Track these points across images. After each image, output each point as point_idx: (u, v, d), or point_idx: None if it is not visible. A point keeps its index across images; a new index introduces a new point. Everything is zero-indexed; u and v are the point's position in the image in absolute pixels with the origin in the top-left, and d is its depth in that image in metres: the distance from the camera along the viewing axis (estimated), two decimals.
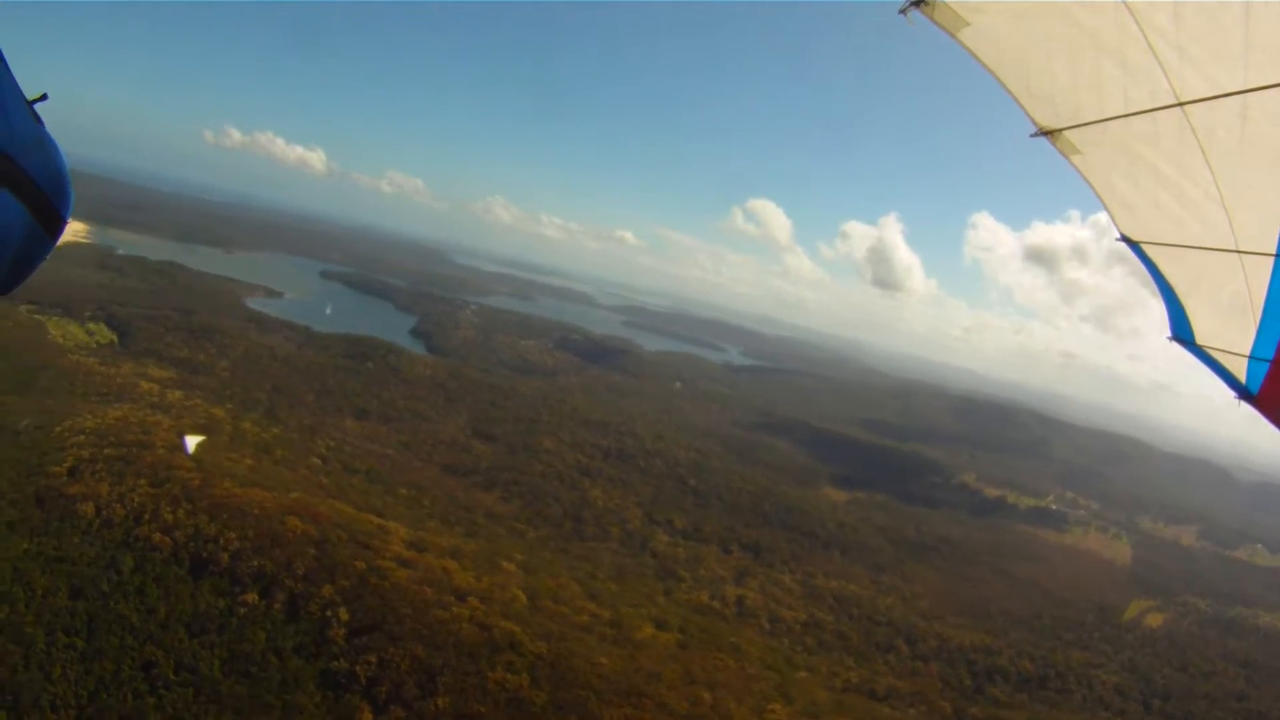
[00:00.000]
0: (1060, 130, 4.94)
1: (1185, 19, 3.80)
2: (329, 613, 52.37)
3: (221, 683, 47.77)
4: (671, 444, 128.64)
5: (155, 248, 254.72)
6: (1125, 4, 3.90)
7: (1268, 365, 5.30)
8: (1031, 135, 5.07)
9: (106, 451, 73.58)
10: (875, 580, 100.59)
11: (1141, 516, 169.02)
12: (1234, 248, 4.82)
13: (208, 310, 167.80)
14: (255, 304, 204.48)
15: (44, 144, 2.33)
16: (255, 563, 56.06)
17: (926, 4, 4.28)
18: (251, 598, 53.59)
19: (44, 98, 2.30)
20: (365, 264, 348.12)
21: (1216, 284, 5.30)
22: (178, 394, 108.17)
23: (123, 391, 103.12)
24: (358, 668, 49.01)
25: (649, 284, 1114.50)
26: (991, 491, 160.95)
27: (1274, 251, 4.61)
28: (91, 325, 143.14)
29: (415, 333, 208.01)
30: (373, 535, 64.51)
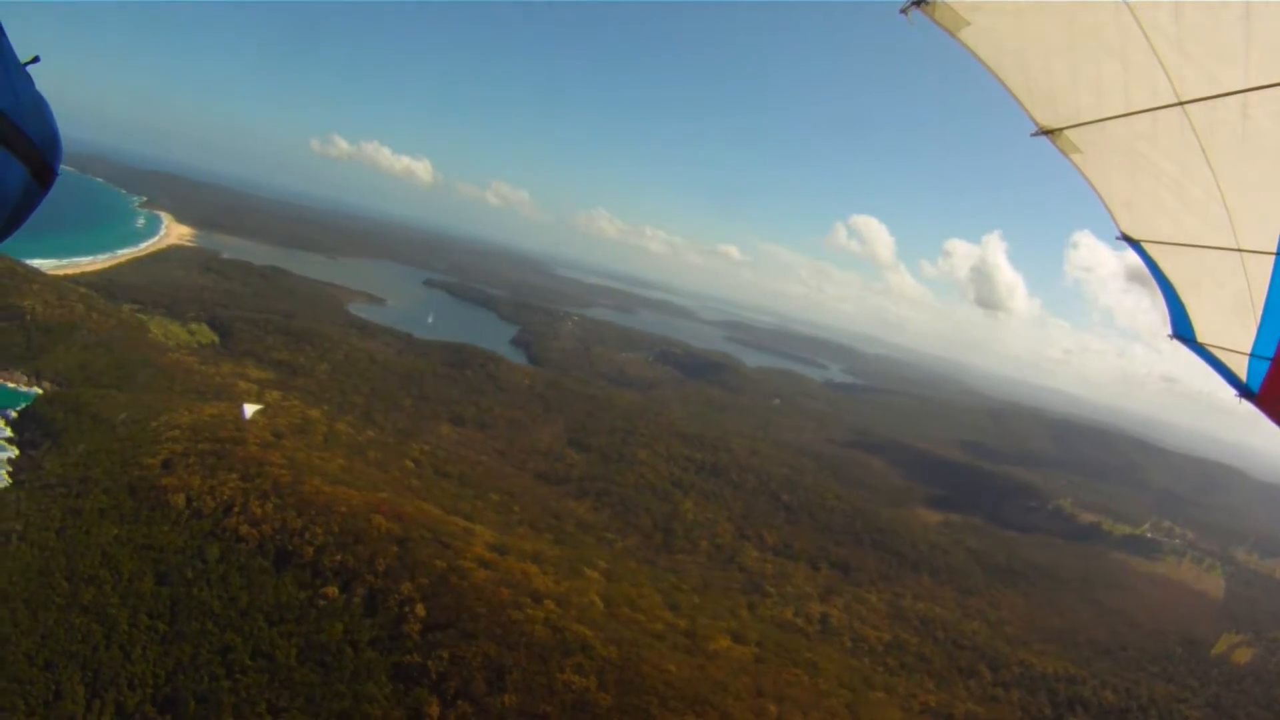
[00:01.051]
0: (1061, 129, 5.85)
1: (1186, 18, 4.49)
2: (406, 608, 62.30)
3: (295, 670, 56.36)
4: (766, 459, 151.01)
5: (260, 253, 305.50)
6: (1126, 3, 4.57)
7: (1269, 363, 6.21)
8: (1032, 134, 5.98)
9: (200, 446, 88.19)
10: (962, 603, 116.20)
11: (1237, 547, 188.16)
12: (1234, 246, 5.68)
13: (309, 314, 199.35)
14: (357, 310, 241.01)
15: (40, 106, 2.90)
16: (338, 557, 67.50)
17: (927, 4, 5.02)
18: (332, 591, 63.98)
19: (36, 60, 2.91)
20: (468, 274, 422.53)
21: (1217, 282, 6.26)
22: (275, 394, 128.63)
23: (221, 390, 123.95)
24: (429, 662, 58.05)
25: (752, 300, 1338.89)
26: (1086, 517, 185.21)
27: (1274, 250, 5.41)
28: (193, 326, 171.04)
29: (516, 342, 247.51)
30: (456, 536, 76.06)
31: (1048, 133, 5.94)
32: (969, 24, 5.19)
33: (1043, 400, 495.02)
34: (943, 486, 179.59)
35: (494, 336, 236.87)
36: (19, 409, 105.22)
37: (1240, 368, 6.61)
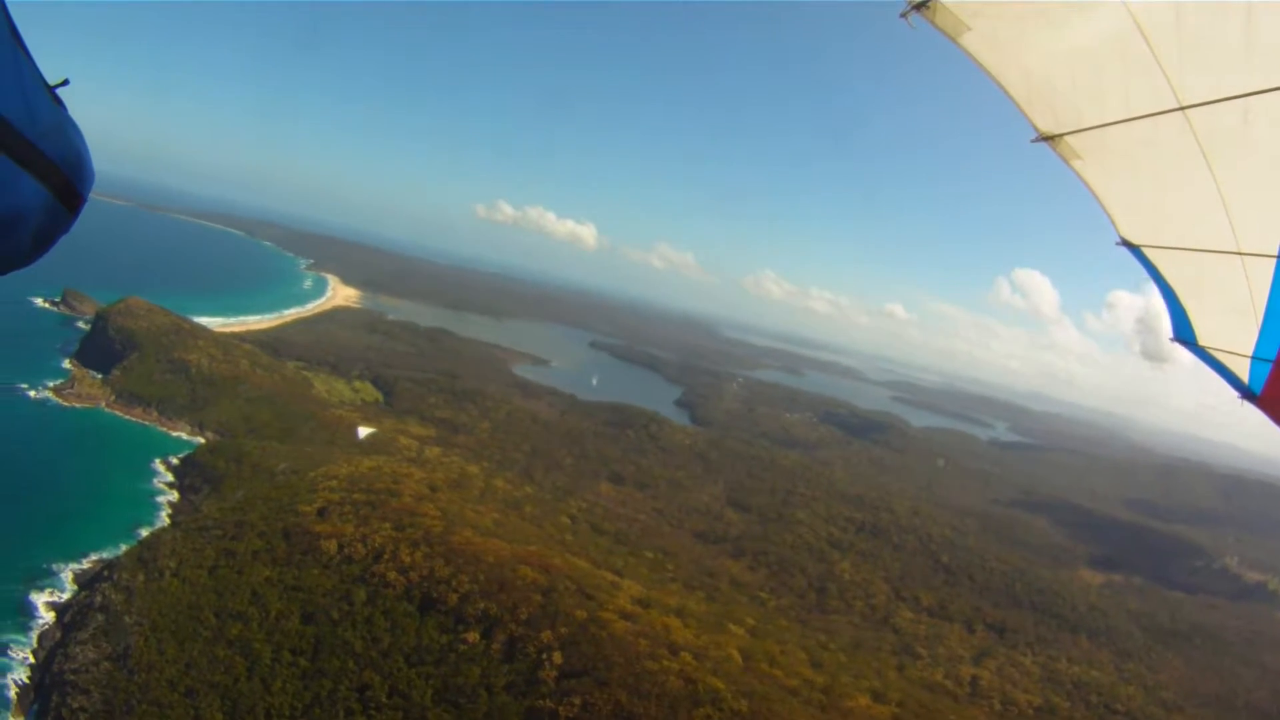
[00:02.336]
0: (1061, 136, 6.52)
1: (1186, 23, 5.05)
2: (544, 655, 69.61)
3: (430, 710, 62.49)
4: (927, 520, 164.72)
5: (426, 315, 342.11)
6: (1127, 8, 5.15)
7: (1270, 366, 6.96)
8: (1032, 140, 6.65)
9: (355, 496, 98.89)
10: (1120, 667, 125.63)
11: None
12: (1235, 249, 6.34)
13: (473, 375, 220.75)
14: (522, 371, 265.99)
15: (64, 128, 3.26)
16: (481, 605, 75.15)
17: (927, 8, 5.62)
18: (473, 636, 71.72)
19: (65, 83, 3.29)
20: (634, 336, 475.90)
21: (1218, 286, 6.98)
22: (435, 450, 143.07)
23: (380, 445, 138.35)
24: (560, 708, 65.06)
25: (919, 359, 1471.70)
26: (1253, 576, 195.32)
27: (1275, 253, 6.06)
28: (358, 384, 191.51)
29: (680, 404, 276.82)
30: (601, 589, 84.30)
31: (1048, 139, 6.62)
32: (970, 29, 5.80)
33: (1211, 454, 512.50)
34: (1106, 546, 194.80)
35: (658, 398, 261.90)
36: (181, 456, 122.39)
37: (1242, 370, 7.35)
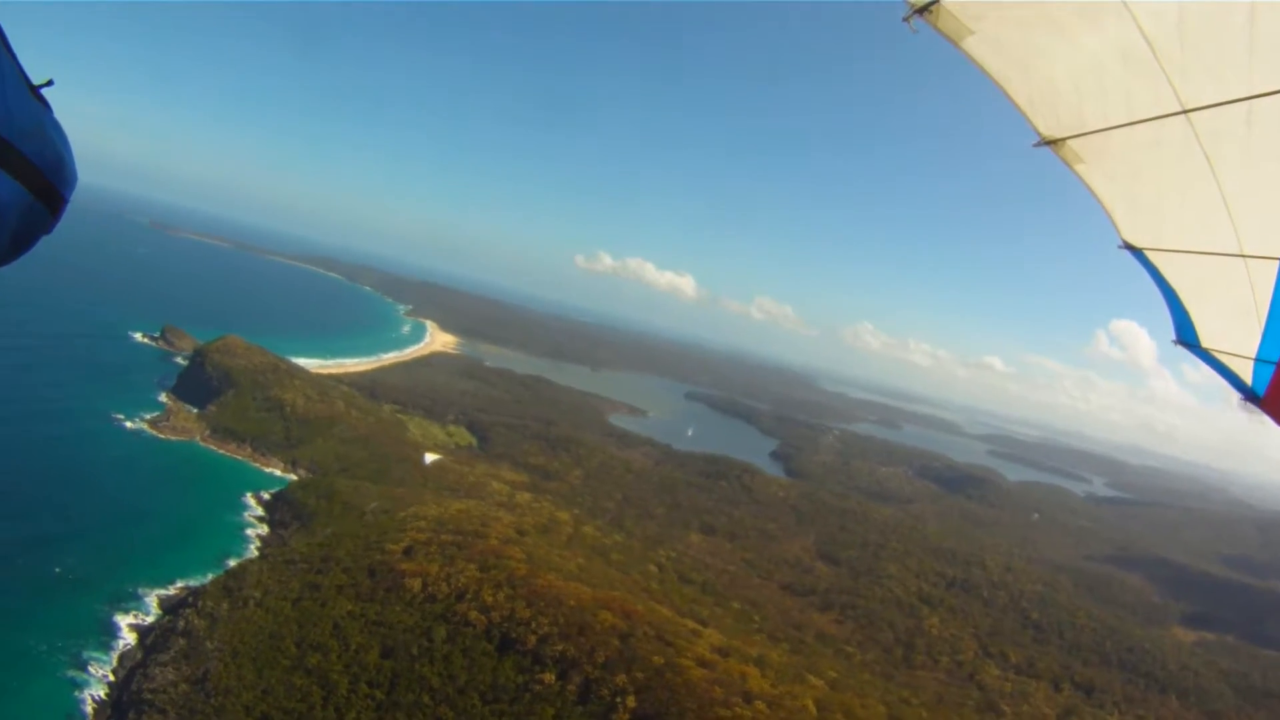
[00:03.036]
0: (1064, 139, 6.73)
1: (1189, 25, 5.20)
2: (618, 699, 72.24)
3: None
4: (1019, 575, 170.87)
5: (523, 363, 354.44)
6: (1129, 11, 5.29)
7: (1273, 368, 7.16)
8: (1034, 145, 6.83)
9: (443, 537, 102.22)
10: None
11: None
12: (1238, 252, 6.54)
13: (569, 423, 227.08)
14: (617, 420, 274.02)
15: (45, 128, 3.37)
16: (560, 647, 77.42)
17: (930, 12, 5.79)
18: (549, 678, 73.90)
19: (50, 83, 3.43)
20: (731, 387, 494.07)
21: (1221, 288, 7.21)
22: (526, 496, 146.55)
23: (472, 489, 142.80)
24: None
25: (1017, 412, 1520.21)
26: None
27: (1278, 255, 6.29)
28: (452, 428, 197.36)
29: (775, 455, 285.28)
30: (680, 636, 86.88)
31: (1050, 143, 6.76)
32: (972, 33, 5.95)
33: None
34: (1200, 603, 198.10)
35: (753, 449, 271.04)
36: (273, 491, 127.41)
37: (1245, 372, 7.60)
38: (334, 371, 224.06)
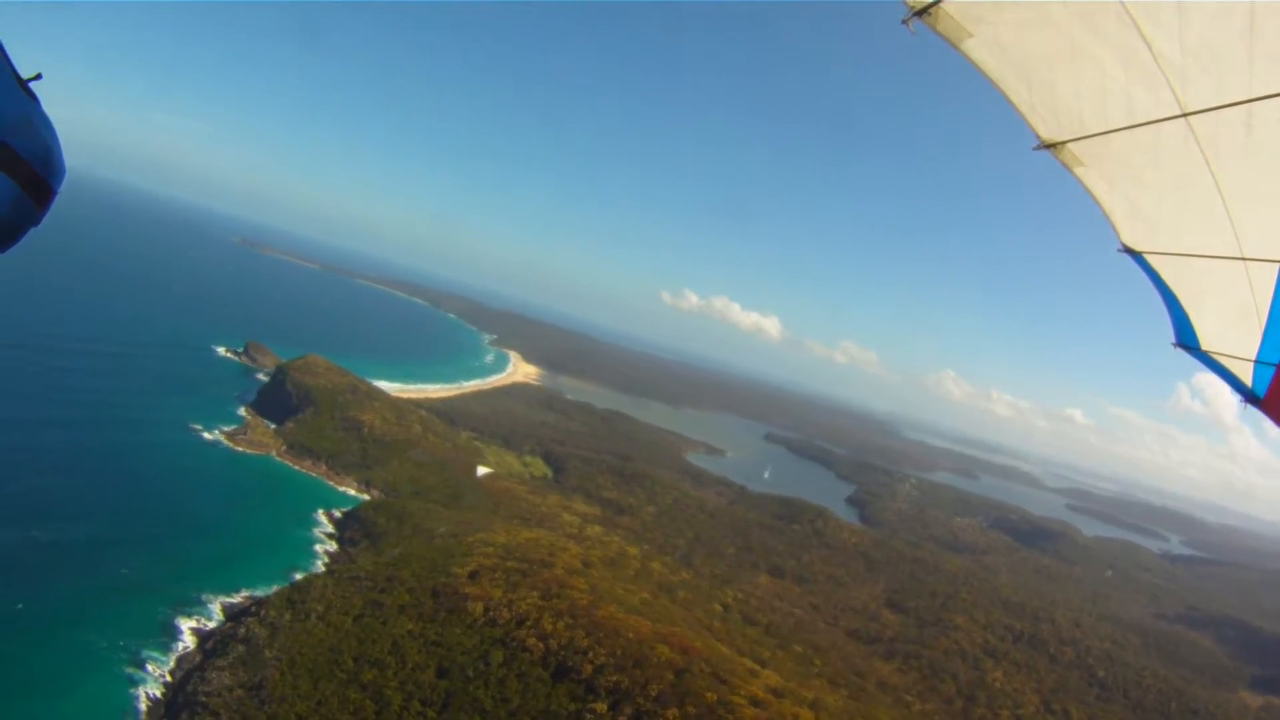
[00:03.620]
0: (1063, 143, 6.82)
1: (1189, 29, 5.30)
2: None
3: None
4: (1088, 632, 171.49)
5: (604, 397, 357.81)
6: (1129, 15, 5.41)
7: (1273, 369, 7.40)
8: (1034, 148, 6.93)
9: (509, 564, 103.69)
10: None
11: None
12: (1238, 255, 6.72)
13: (645, 459, 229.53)
14: (695, 458, 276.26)
15: (32, 120, 3.48)
16: (614, 678, 78.47)
17: (929, 14, 5.92)
18: (600, 707, 74.72)
19: (38, 77, 3.57)
20: (811, 430, 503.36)
21: (1221, 291, 7.41)
22: (596, 529, 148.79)
23: (543, 519, 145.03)
24: None
25: (1096, 465, 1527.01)
26: None
27: (1278, 258, 6.49)
28: (528, 458, 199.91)
29: (850, 501, 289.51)
30: (736, 674, 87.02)
31: (1050, 146, 6.85)
32: (971, 36, 6.05)
33: None
34: (1271, 666, 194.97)
35: (829, 494, 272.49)
36: (345, 510, 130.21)
37: (1245, 374, 7.81)
38: (414, 396, 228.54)
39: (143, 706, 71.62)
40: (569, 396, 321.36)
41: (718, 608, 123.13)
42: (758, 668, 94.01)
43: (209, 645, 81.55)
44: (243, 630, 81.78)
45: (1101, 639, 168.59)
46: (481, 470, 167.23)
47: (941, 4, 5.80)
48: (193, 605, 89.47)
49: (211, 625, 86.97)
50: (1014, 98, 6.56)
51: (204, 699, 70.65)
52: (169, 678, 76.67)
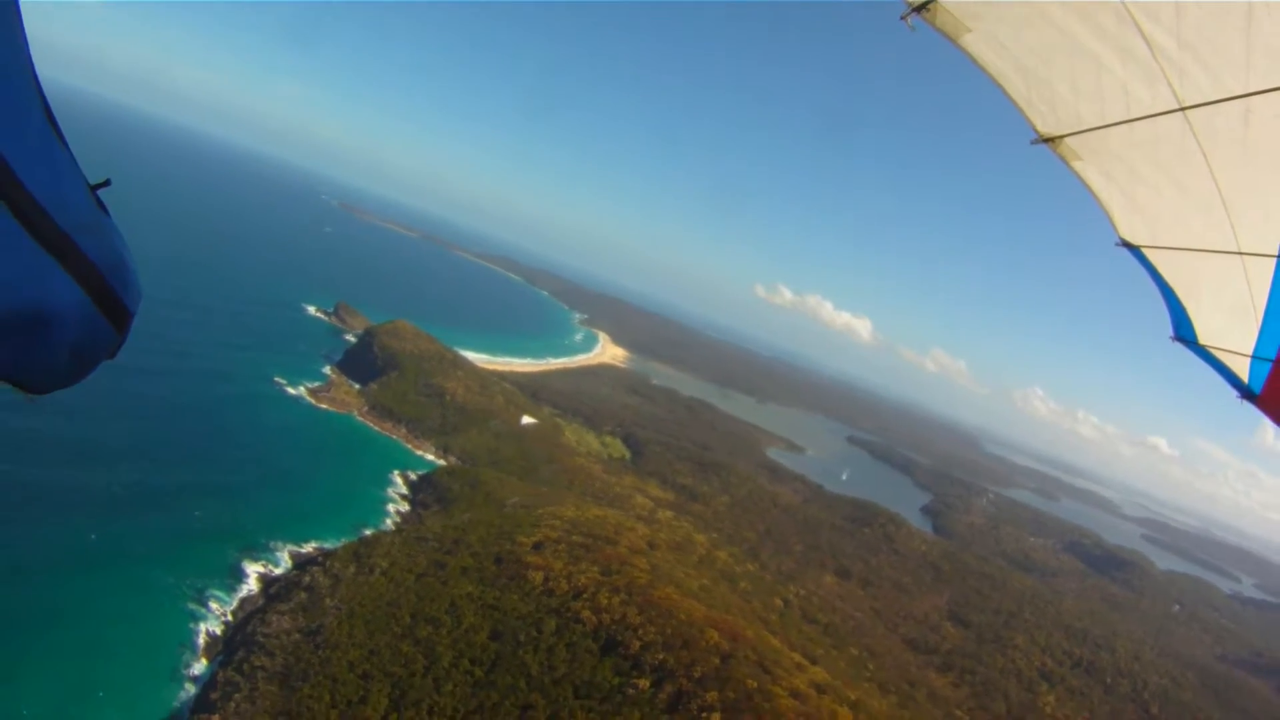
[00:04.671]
0: (1061, 137, 6.98)
1: (1187, 23, 5.28)
2: (704, 714, 74.25)
3: None
4: (1147, 666, 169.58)
5: (690, 384, 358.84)
6: (1126, 10, 5.39)
7: (1270, 365, 7.38)
8: (1032, 142, 7.09)
9: (574, 538, 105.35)
10: None
11: None
12: (1235, 249, 6.77)
13: (725, 449, 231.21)
14: (774, 454, 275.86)
15: (104, 228, 3.19)
16: (660, 656, 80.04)
17: (928, 10, 5.97)
18: (643, 683, 76.33)
19: (107, 183, 3.33)
20: (894, 436, 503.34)
21: (1218, 285, 7.49)
22: (668, 513, 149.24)
23: (616, 499, 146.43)
24: None
25: (1177, 498, 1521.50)
26: None
27: (1275, 253, 6.47)
28: (608, 439, 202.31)
29: (925, 510, 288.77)
30: (781, 665, 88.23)
31: (1047, 140, 6.99)
32: (970, 30, 6.11)
33: None
34: None
35: (905, 500, 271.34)
36: (420, 473, 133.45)
37: (1242, 369, 7.80)
38: (499, 369, 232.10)
39: (201, 641, 74.80)
40: (655, 381, 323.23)
41: (778, 602, 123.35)
42: (806, 663, 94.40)
43: (273, 590, 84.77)
44: (307, 579, 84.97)
45: (1160, 674, 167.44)
46: (526, 420, 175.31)
47: (939, 0, 5.93)
48: (261, 551, 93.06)
49: (278, 572, 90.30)
50: (1012, 92, 6.72)
51: (261, 639, 73.56)
52: (230, 617, 79.81)
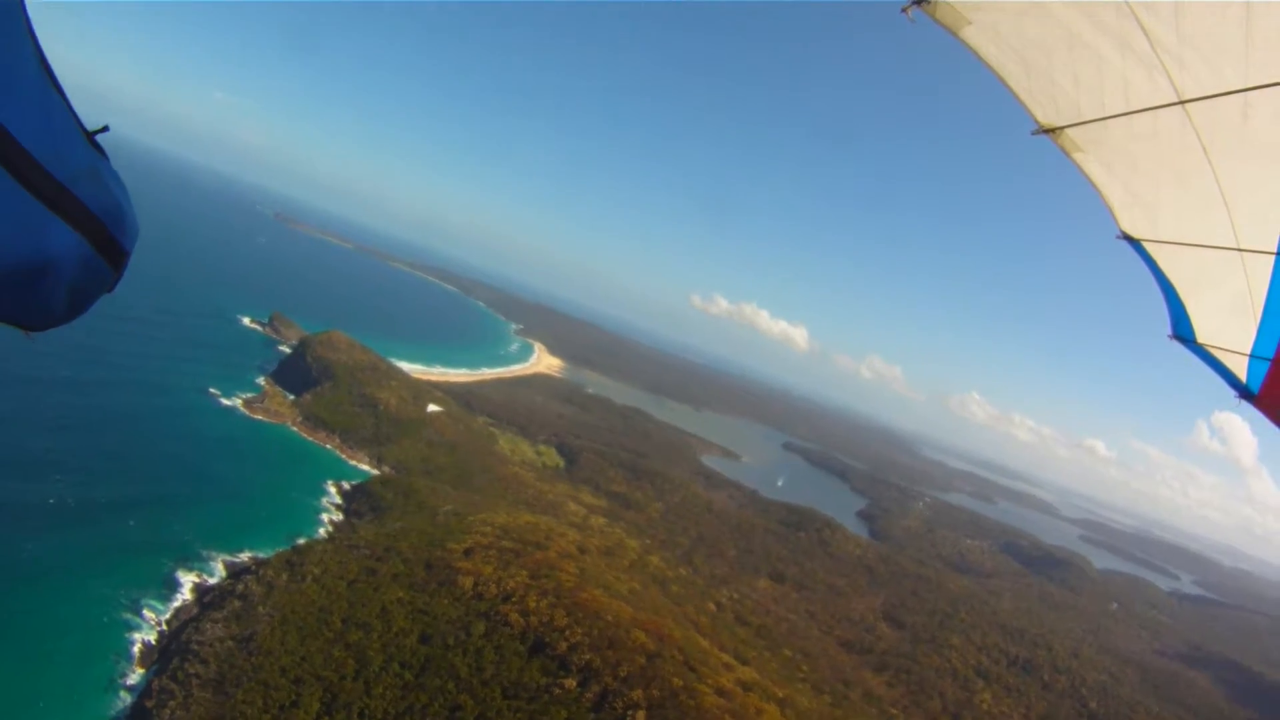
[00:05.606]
0: (1062, 128, 7.09)
1: (1186, 16, 5.48)
2: (629, 712, 76.16)
3: None
4: (1085, 663, 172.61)
5: (625, 393, 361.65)
6: (1127, 2, 5.59)
7: (1268, 364, 7.42)
8: (1033, 133, 7.25)
9: (504, 543, 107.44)
10: None
11: None
12: (1234, 246, 6.88)
13: (659, 457, 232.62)
14: (710, 461, 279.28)
15: (101, 175, 3.39)
16: (586, 657, 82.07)
17: (928, 2, 6.11)
18: (570, 683, 78.39)
19: (105, 129, 3.54)
20: (830, 442, 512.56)
21: (1217, 282, 7.52)
22: (600, 520, 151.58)
23: (548, 507, 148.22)
24: None
25: (1115, 499, 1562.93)
26: None
27: (1274, 250, 6.60)
28: (542, 448, 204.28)
29: (861, 515, 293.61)
30: (707, 664, 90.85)
31: (1048, 131, 7.08)
32: (970, 23, 6.23)
33: None
34: (1268, 712, 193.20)
35: (841, 506, 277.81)
36: (354, 483, 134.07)
37: (1240, 368, 7.80)
38: (434, 379, 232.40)
39: (136, 650, 75.46)
40: (590, 390, 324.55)
41: (711, 606, 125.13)
42: (735, 663, 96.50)
43: (207, 599, 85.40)
44: (240, 587, 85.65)
45: (1098, 670, 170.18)
46: (432, 409, 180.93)
47: None
48: (196, 561, 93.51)
49: (213, 581, 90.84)
50: (1012, 84, 6.79)
51: (196, 647, 74.36)
52: (165, 626, 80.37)
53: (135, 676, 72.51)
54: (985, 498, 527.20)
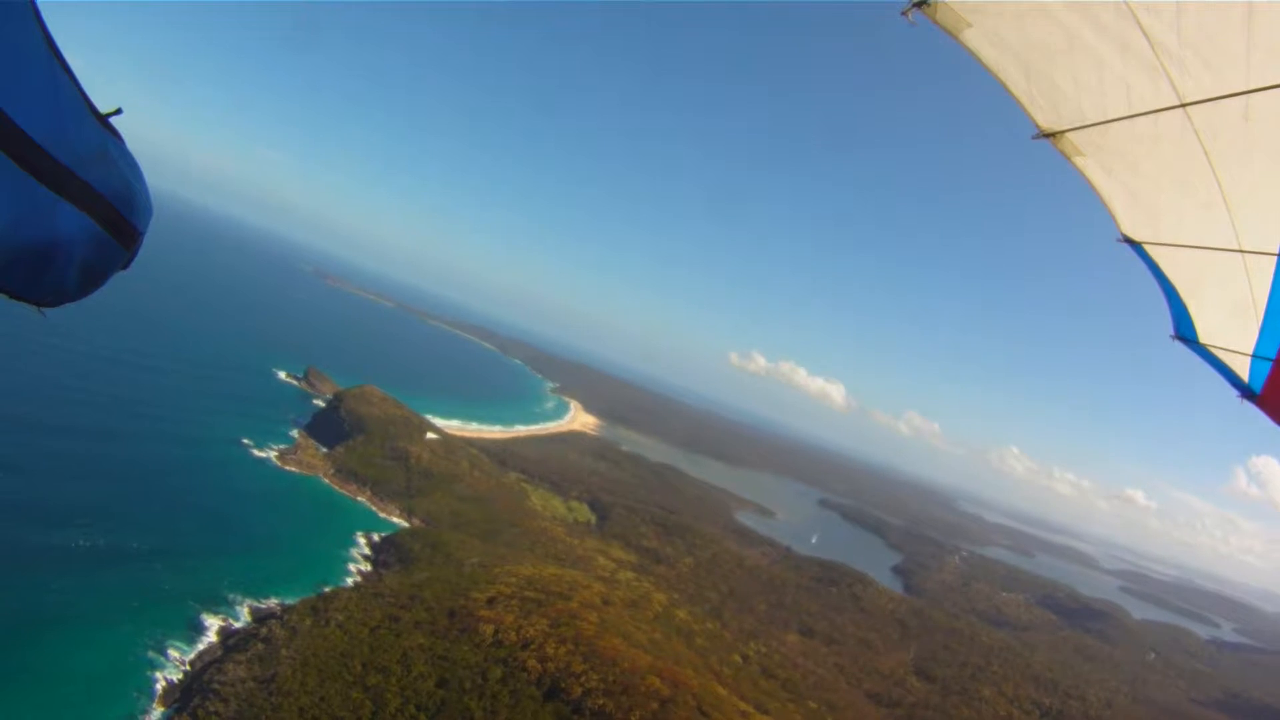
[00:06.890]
0: (1063, 132, 7.08)
1: (1187, 20, 5.51)
2: None
3: None
4: (1119, 713, 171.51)
5: (659, 450, 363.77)
6: (1127, 5, 5.64)
7: (1270, 364, 7.59)
8: (1033, 137, 7.21)
9: (527, 593, 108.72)
10: None
11: None
12: (1236, 247, 6.95)
13: (691, 514, 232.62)
14: (743, 518, 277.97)
15: (109, 156, 3.43)
16: (600, 701, 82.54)
17: (928, 5, 6.14)
18: None
19: (119, 111, 3.51)
20: (866, 498, 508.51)
21: (1219, 283, 7.65)
22: (629, 574, 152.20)
23: (577, 560, 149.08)
24: None
25: (1156, 549, 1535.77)
26: None
27: (1276, 251, 6.67)
28: (573, 503, 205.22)
29: (896, 570, 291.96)
30: (721, 710, 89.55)
31: (1049, 135, 7.06)
32: (970, 26, 6.21)
33: None
34: None
35: (876, 561, 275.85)
36: (383, 534, 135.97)
37: (1242, 369, 7.89)
38: (468, 435, 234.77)
39: (159, 688, 77.13)
40: (624, 447, 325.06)
41: (736, 658, 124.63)
42: (753, 712, 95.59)
43: (231, 642, 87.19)
44: (265, 630, 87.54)
45: None
46: (430, 436, 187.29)
47: None
48: (222, 605, 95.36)
49: (237, 625, 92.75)
50: (1012, 87, 6.75)
51: (217, 687, 75.92)
52: (188, 666, 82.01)
53: (156, 715, 73.91)
54: (1024, 551, 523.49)
